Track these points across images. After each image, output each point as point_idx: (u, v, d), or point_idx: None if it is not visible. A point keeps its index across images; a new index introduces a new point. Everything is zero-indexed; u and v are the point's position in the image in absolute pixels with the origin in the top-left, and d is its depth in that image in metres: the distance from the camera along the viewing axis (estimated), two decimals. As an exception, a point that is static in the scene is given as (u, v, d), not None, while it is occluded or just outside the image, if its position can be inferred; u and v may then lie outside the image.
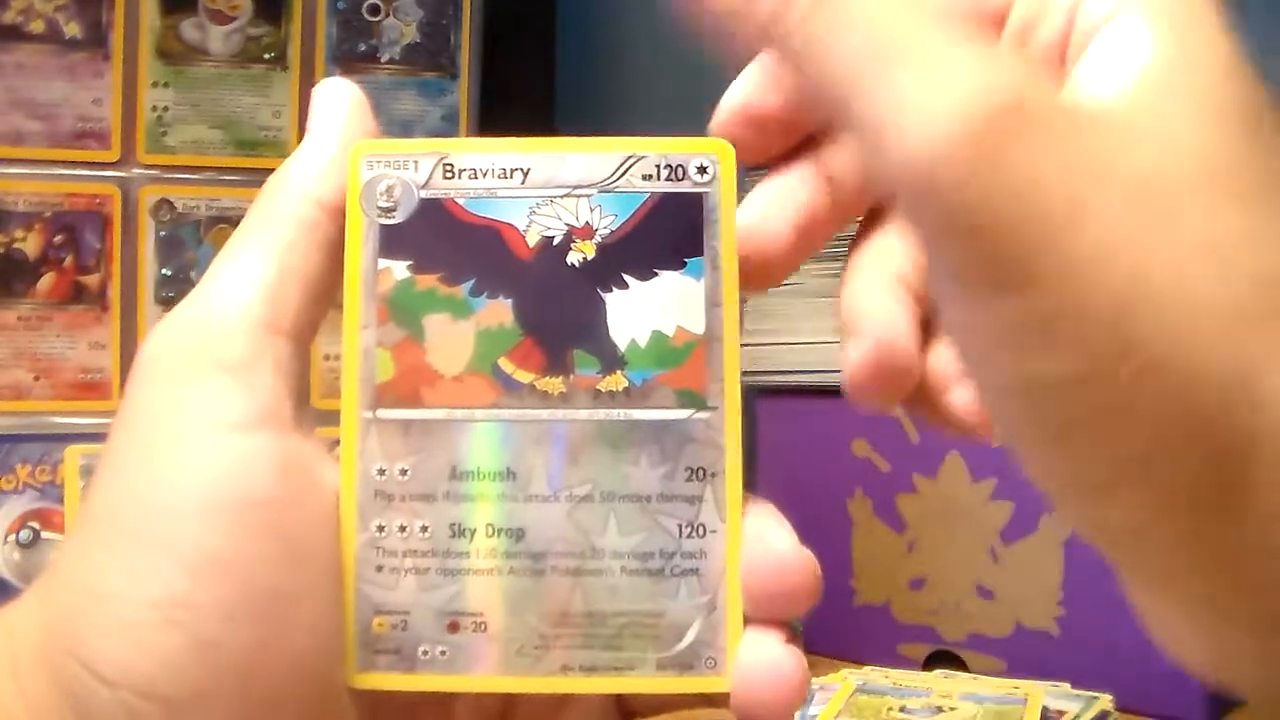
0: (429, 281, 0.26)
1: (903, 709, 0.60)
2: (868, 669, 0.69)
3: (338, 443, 0.26)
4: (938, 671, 0.71)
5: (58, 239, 0.75)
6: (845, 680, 0.64)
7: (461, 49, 0.83)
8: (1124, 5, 0.23)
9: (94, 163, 0.76)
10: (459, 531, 0.25)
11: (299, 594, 0.24)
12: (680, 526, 0.25)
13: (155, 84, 0.77)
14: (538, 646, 0.25)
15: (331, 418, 0.26)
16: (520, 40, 0.98)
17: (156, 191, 0.77)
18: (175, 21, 0.77)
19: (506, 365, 0.26)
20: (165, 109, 0.77)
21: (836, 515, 0.79)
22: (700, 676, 0.25)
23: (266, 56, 0.79)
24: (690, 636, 0.25)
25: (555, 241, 0.26)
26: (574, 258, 0.26)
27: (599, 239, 0.26)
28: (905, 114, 0.20)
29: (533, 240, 0.26)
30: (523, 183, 0.26)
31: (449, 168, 0.26)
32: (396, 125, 0.81)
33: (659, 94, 1.14)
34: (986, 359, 0.22)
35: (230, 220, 0.78)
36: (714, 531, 0.25)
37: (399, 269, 0.26)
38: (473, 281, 0.26)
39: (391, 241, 0.26)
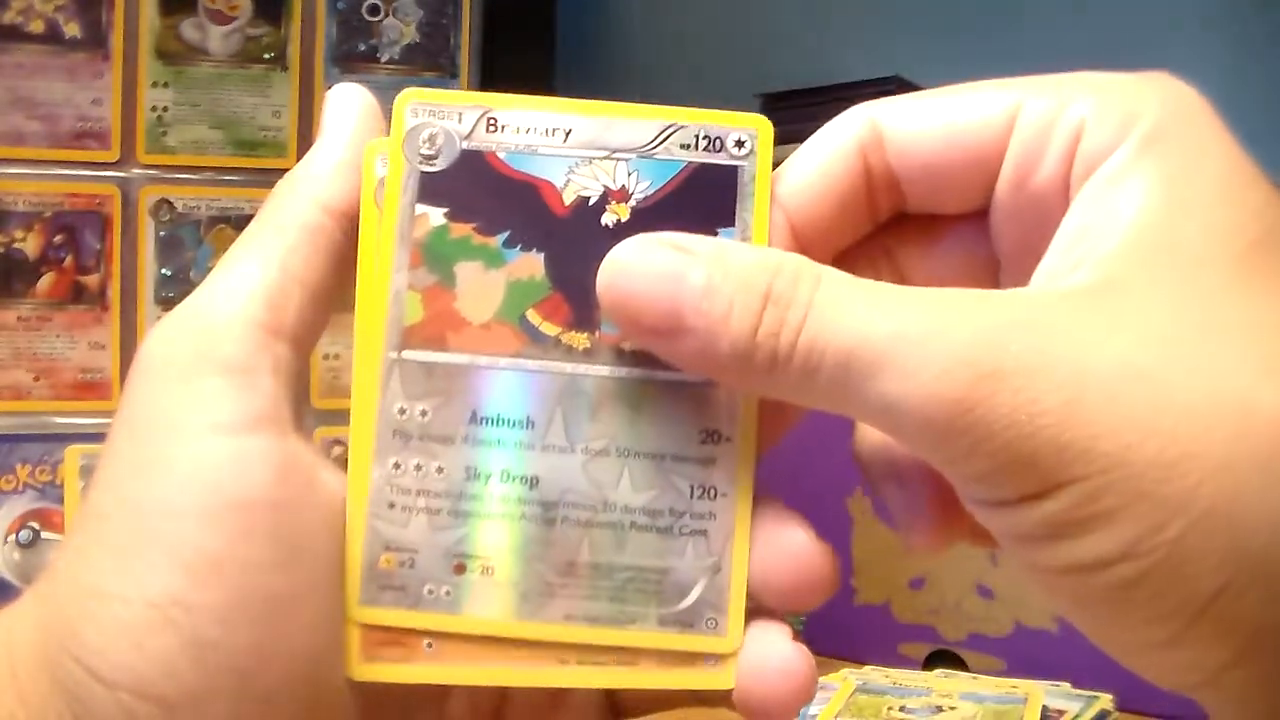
0: (464, 230, 0.26)
1: (903, 708, 0.60)
2: (868, 668, 0.69)
3: (337, 443, 0.26)
4: (938, 671, 0.71)
5: (58, 239, 0.75)
6: (845, 680, 0.64)
7: (461, 49, 0.83)
8: (1122, 134, 0.23)
9: (94, 163, 0.76)
10: (474, 475, 0.26)
11: (296, 595, 0.24)
12: (692, 487, 0.26)
13: (155, 84, 0.77)
14: (542, 594, 0.25)
15: (331, 417, 0.26)
16: (520, 40, 0.98)
17: (156, 191, 0.77)
18: (175, 21, 0.77)
19: (534, 317, 0.26)
20: (165, 109, 0.77)
21: (836, 514, 0.79)
22: (701, 636, 0.25)
23: (266, 56, 0.79)
24: (694, 595, 0.25)
25: (591, 202, 0.26)
26: (608, 219, 0.26)
27: (634, 203, 0.26)
28: (900, 409, 0.22)
29: (569, 199, 0.26)
30: (563, 142, 0.26)
31: (492, 122, 0.26)
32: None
33: (658, 94, 1.14)
34: (1029, 553, 0.22)
35: (230, 220, 0.78)
36: (724, 495, 0.26)
37: (435, 215, 0.26)
38: (507, 233, 0.26)
39: (430, 188, 0.26)
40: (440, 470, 0.26)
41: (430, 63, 0.82)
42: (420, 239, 0.26)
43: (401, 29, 0.82)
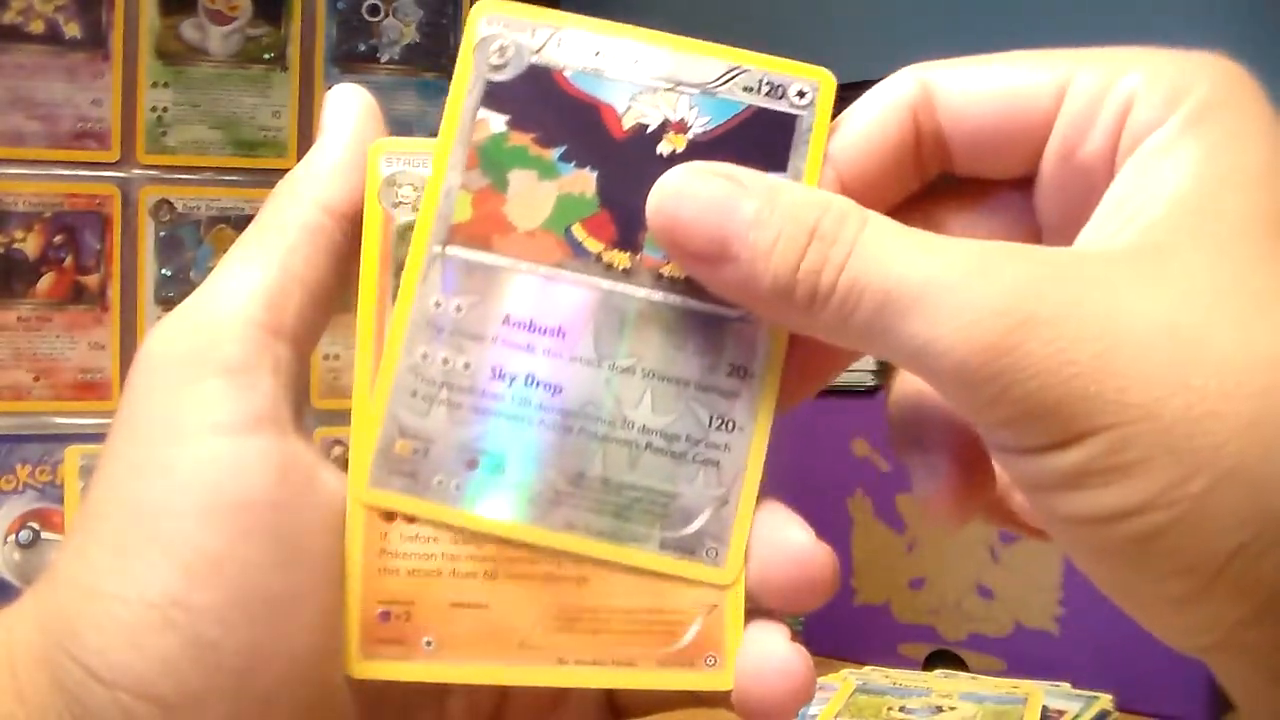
0: (522, 139, 0.26)
1: (903, 709, 0.60)
2: (868, 669, 0.69)
3: (338, 443, 0.26)
4: (938, 671, 0.71)
5: (58, 239, 0.75)
6: (845, 680, 0.64)
7: (461, 49, 0.83)
8: (1171, 109, 0.23)
9: (94, 163, 0.76)
10: (499, 375, 0.26)
11: (296, 596, 0.24)
12: (711, 417, 0.26)
13: (155, 84, 0.77)
14: (549, 501, 0.26)
15: (331, 417, 0.26)
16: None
17: (156, 191, 0.77)
18: (175, 22, 0.77)
19: (579, 232, 0.26)
20: (165, 109, 0.77)
21: (836, 515, 0.79)
22: (699, 564, 0.26)
23: (266, 57, 0.79)
24: (698, 523, 0.26)
25: (649, 129, 0.26)
26: (663, 148, 0.26)
27: (691, 136, 0.26)
28: (931, 351, 0.22)
29: (628, 124, 0.26)
30: (630, 69, 0.27)
31: (562, 41, 0.27)
32: (396, 125, 0.80)
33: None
34: (1051, 502, 0.22)
35: (230, 220, 0.78)
36: (742, 429, 0.26)
37: (497, 121, 0.26)
38: (564, 148, 0.26)
39: (495, 95, 0.27)
40: (467, 366, 0.26)
41: (430, 63, 0.82)
42: (479, 142, 0.26)
43: (401, 29, 0.82)
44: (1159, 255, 0.22)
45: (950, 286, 0.22)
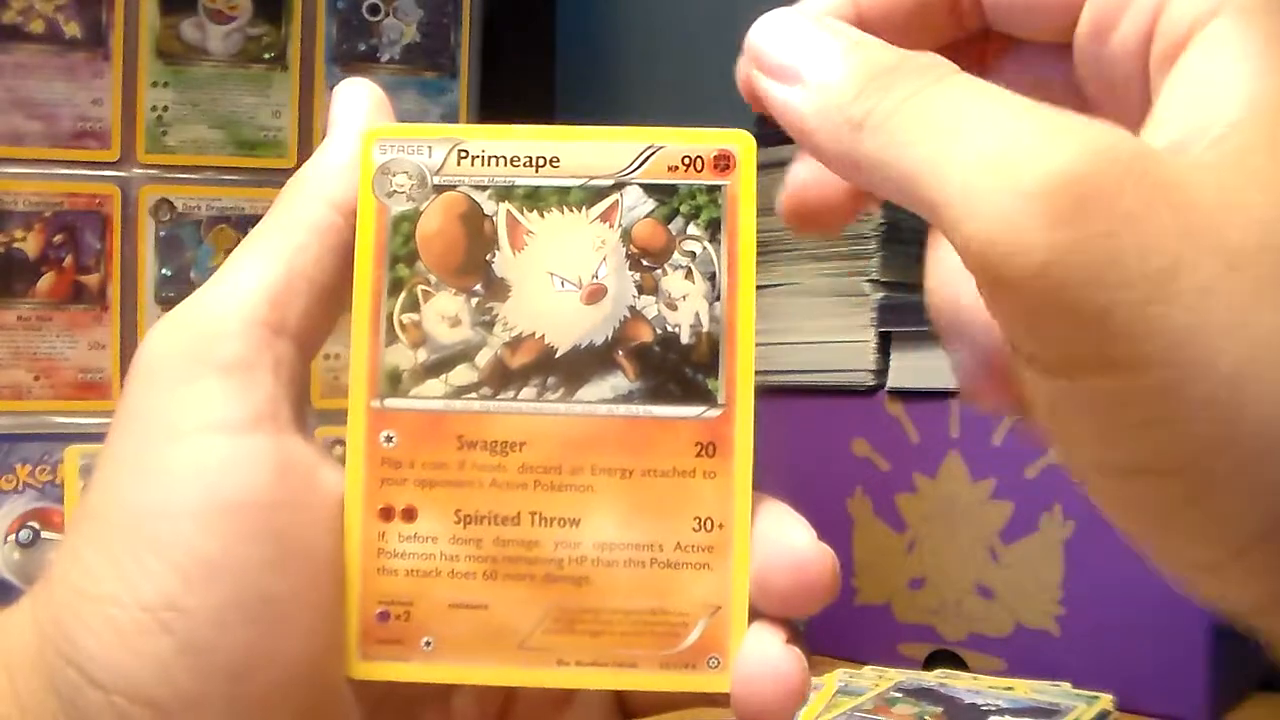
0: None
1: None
2: (867, 669, 0.69)
3: (338, 443, 0.26)
4: (938, 671, 0.71)
5: (57, 239, 0.75)
6: (826, 681, 0.64)
7: (461, 49, 0.83)
8: (1219, 5, 0.21)
9: (94, 162, 0.76)
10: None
11: (294, 597, 0.24)
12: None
13: (155, 84, 0.77)
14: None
15: (332, 417, 0.26)
16: (520, 40, 0.98)
17: (156, 191, 0.77)
18: (175, 21, 0.77)
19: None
20: (165, 109, 0.77)
21: (836, 515, 0.79)
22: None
23: (266, 56, 0.79)
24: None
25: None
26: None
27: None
28: (969, 204, 0.19)
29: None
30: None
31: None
32: (396, 125, 0.80)
33: (659, 93, 1.14)
34: (1071, 443, 0.21)
35: (230, 220, 0.78)
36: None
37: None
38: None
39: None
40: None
41: (430, 62, 0.82)
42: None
43: (402, 29, 0.82)
44: (1235, 171, 0.19)
45: (1009, 120, 0.19)
